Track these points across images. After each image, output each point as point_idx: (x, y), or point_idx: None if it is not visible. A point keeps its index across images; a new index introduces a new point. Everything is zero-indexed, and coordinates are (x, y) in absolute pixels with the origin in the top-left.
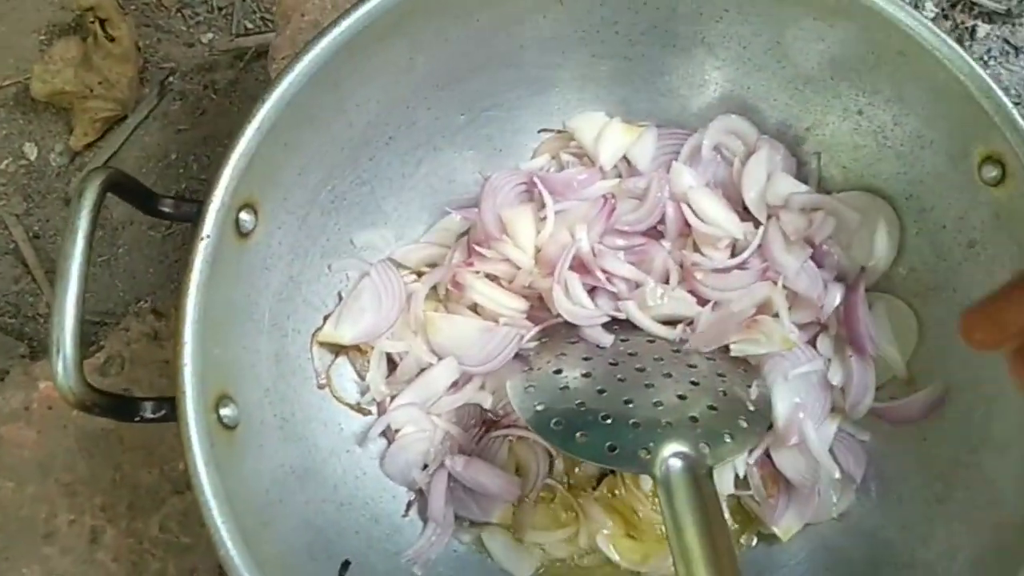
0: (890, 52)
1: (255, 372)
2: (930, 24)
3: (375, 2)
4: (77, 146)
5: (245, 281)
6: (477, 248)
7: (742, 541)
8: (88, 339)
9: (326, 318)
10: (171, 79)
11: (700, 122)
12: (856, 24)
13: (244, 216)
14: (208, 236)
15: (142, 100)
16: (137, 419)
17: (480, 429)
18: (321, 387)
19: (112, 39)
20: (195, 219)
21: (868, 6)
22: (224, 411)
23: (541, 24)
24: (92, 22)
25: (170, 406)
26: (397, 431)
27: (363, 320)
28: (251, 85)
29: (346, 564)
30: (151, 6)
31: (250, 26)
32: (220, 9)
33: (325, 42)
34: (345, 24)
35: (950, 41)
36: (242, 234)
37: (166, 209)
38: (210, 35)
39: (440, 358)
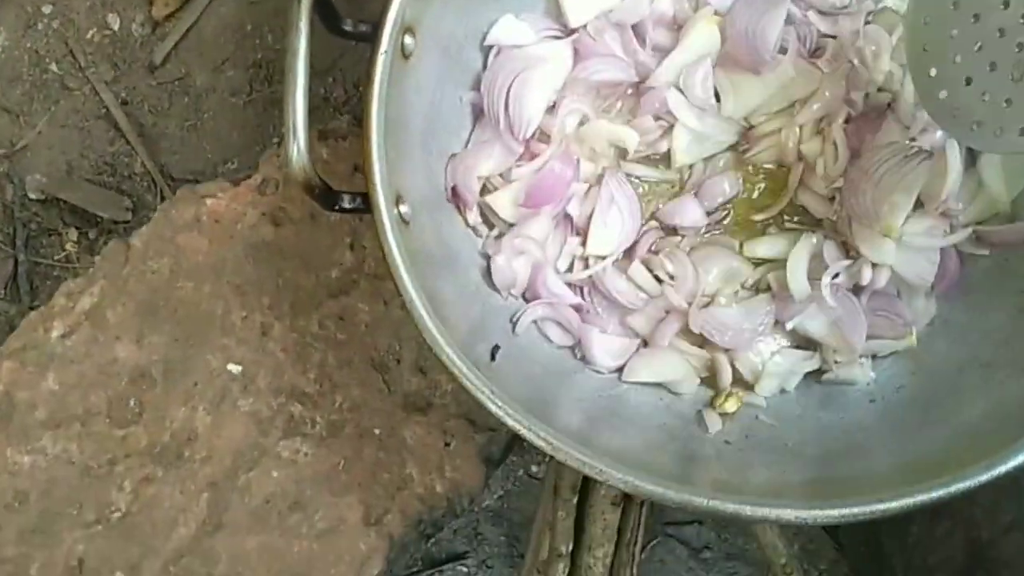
0: None
1: (414, 181)
2: None
3: None
4: (159, 16)
5: (405, 99)
6: None
7: None
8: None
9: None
10: None
11: None
12: None
13: (407, 39)
14: (386, 52)
15: None
16: (336, 208)
17: None
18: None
19: None
20: (371, 37)
21: None
22: (402, 208)
23: None
24: None
25: (363, 199)
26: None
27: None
28: None
29: (496, 347)
30: None
31: None
32: None
33: None
34: None
35: None
36: (405, 56)
37: (347, 28)
38: None
39: None
